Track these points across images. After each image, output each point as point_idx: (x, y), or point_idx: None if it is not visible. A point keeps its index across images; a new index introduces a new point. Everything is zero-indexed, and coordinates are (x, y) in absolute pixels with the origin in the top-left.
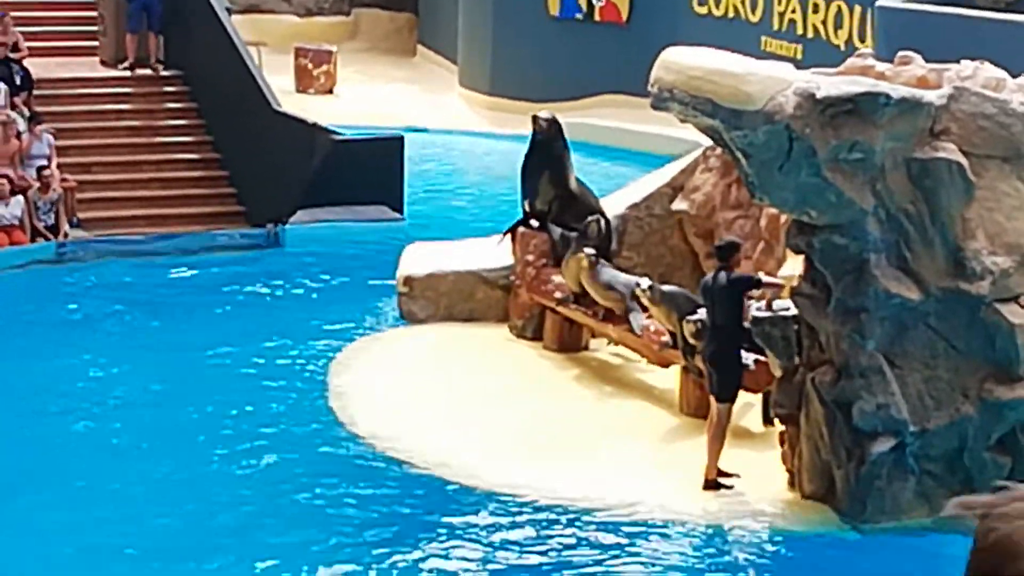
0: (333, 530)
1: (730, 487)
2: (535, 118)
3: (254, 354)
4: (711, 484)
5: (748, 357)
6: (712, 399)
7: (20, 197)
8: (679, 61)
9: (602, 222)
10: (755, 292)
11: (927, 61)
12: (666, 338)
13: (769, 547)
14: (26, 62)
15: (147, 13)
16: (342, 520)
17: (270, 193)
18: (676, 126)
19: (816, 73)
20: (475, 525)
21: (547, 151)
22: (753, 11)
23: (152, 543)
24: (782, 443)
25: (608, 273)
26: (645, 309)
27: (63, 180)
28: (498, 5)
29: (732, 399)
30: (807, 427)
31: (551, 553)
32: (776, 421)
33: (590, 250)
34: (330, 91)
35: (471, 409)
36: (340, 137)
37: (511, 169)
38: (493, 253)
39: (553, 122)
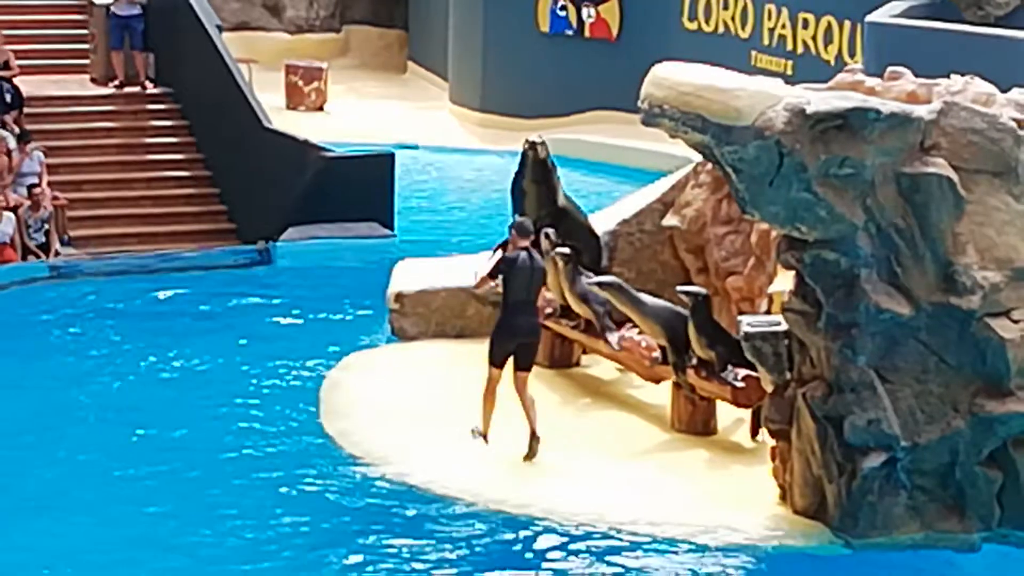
0: (326, 548)
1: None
2: (528, 142)
3: (245, 371)
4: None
5: (739, 372)
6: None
7: (11, 215)
8: (669, 77)
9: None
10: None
11: (917, 76)
12: (657, 354)
13: (760, 563)
14: (16, 80)
15: (127, 32)
16: (336, 538)
17: (261, 210)
18: (667, 142)
19: (806, 88)
20: (468, 540)
21: (536, 169)
22: (743, 27)
23: (140, 563)
24: (773, 458)
25: (584, 284)
26: (621, 325)
27: (54, 198)
28: (488, 21)
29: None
30: (798, 442)
31: (542, 569)
32: (766, 435)
33: (564, 250)
34: (321, 108)
35: (463, 426)
36: (331, 154)
37: (502, 185)
38: (484, 269)
39: (544, 145)
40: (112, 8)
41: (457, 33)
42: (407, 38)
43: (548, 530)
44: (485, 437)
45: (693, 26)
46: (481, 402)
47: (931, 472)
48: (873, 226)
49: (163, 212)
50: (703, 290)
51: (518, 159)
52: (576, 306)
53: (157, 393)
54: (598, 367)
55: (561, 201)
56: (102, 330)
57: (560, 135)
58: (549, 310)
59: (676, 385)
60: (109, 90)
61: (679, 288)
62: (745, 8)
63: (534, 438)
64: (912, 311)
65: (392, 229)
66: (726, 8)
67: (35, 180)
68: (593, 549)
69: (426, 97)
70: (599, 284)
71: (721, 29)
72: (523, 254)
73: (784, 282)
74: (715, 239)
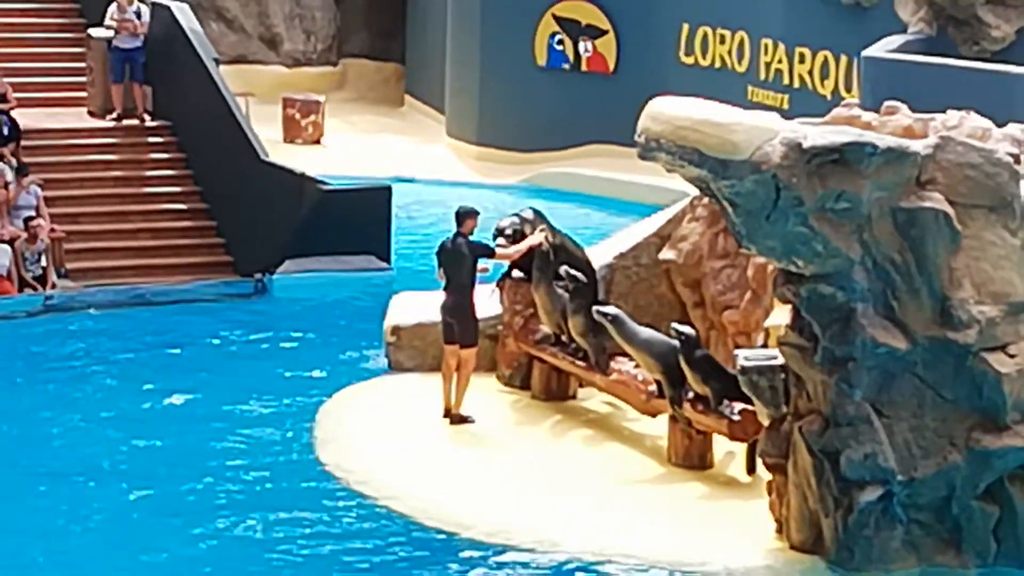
0: None
1: (473, 421)
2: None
3: (241, 404)
4: (458, 419)
5: (735, 406)
6: (457, 347)
7: (7, 247)
8: (666, 111)
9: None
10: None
11: (913, 111)
12: (653, 387)
13: None
14: (14, 113)
15: (129, 65)
16: (331, 570)
17: (258, 243)
18: (663, 176)
19: (802, 123)
20: (461, 571)
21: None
22: (739, 61)
23: None
24: (770, 492)
25: (591, 319)
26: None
27: (51, 230)
28: (485, 55)
29: (475, 344)
30: (795, 476)
31: None
32: (763, 470)
33: (576, 273)
34: (318, 141)
35: (460, 458)
36: (328, 187)
37: (497, 219)
38: (481, 303)
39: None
40: (114, 42)
41: (454, 67)
42: (404, 72)
43: (542, 562)
44: (446, 411)
45: (690, 60)
46: (463, 385)
47: (927, 506)
48: (869, 260)
49: (160, 245)
50: (692, 331)
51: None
52: (577, 336)
53: (152, 426)
54: (594, 400)
55: (551, 238)
56: (97, 362)
57: (557, 169)
58: (538, 337)
59: (672, 418)
60: (106, 123)
61: (673, 326)
62: (742, 43)
63: (450, 417)
64: (908, 345)
65: (389, 262)
66: (723, 43)
67: (32, 213)
68: None
69: (423, 131)
70: (600, 314)
71: (718, 63)
72: (447, 239)
73: (780, 316)
74: (711, 273)
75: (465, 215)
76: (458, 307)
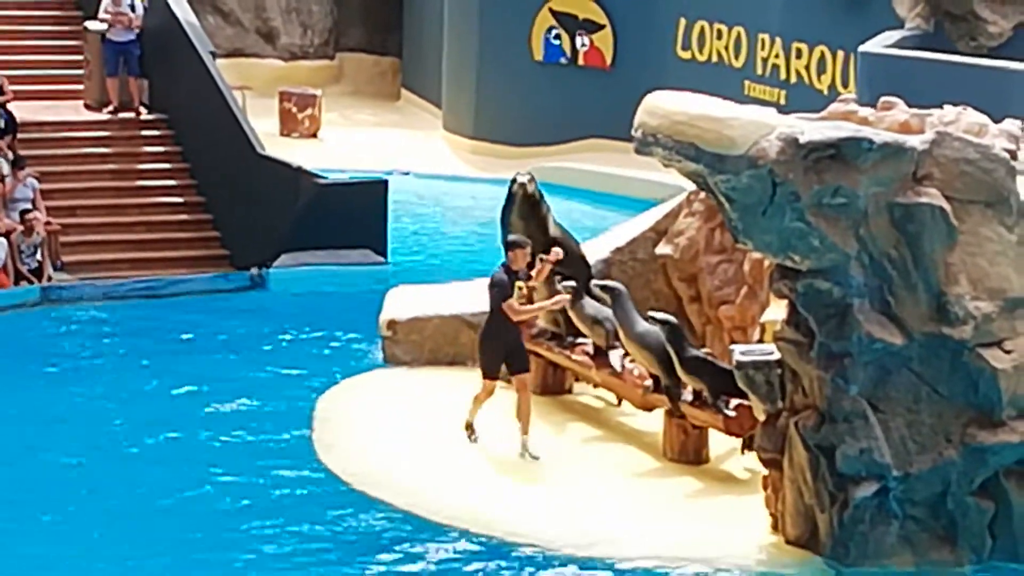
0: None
1: (475, 440)
2: (515, 180)
3: (237, 398)
4: (469, 427)
5: (731, 401)
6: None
7: (3, 240)
8: (663, 106)
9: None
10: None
11: (909, 106)
12: (649, 382)
13: None
14: (10, 105)
15: (124, 58)
16: (327, 564)
17: (254, 236)
18: (660, 170)
19: (799, 118)
20: (458, 567)
21: (523, 206)
22: (736, 56)
23: None
24: (765, 487)
25: (592, 307)
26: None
27: (47, 223)
28: (482, 49)
29: (487, 376)
30: (790, 471)
31: None
32: (758, 465)
33: (570, 283)
34: (314, 135)
35: (455, 453)
36: (324, 181)
37: (494, 213)
38: (477, 297)
39: (532, 182)
40: (108, 35)
41: (451, 61)
42: (401, 65)
43: (538, 558)
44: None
45: (687, 55)
46: (478, 403)
47: (923, 502)
48: (866, 256)
49: (156, 238)
50: (672, 318)
51: (506, 192)
52: (587, 329)
53: (146, 419)
54: (590, 395)
55: (552, 231)
56: (93, 355)
57: (553, 163)
58: (534, 331)
59: (668, 413)
60: (103, 116)
61: (651, 314)
62: (739, 38)
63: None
64: (904, 341)
65: (385, 256)
66: (720, 38)
67: (28, 205)
68: (582, 574)
69: (419, 124)
70: (602, 288)
71: (715, 58)
72: None
73: (777, 311)
74: (708, 268)
75: (509, 246)
76: (481, 335)
